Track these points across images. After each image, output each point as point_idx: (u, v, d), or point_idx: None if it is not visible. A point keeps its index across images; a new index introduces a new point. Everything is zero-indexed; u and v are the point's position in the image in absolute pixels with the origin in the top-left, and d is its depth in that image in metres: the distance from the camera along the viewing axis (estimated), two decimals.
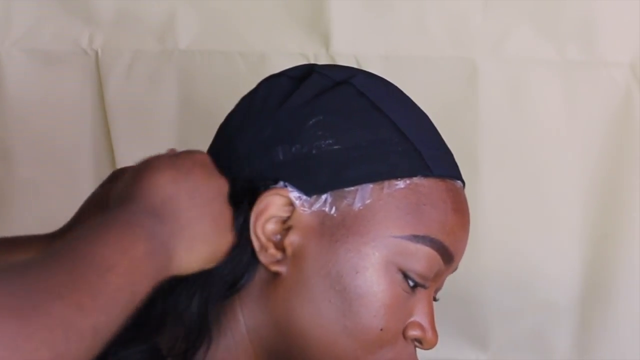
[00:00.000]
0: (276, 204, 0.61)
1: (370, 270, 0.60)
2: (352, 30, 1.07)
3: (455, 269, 0.66)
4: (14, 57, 1.15)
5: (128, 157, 1.12)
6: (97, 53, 1.14)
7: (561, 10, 1.04)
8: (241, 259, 0.61)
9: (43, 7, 1.13)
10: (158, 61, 1.13)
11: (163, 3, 1.12)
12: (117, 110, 1.14)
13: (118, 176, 0.67)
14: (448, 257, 0.62)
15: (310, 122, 0.62)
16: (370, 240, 0.60)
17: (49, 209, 1.18)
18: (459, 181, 0.65)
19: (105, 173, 1.16)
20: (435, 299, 0.65)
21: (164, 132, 1.14)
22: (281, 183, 0.61)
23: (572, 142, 1.07)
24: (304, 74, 0.65)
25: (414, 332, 0.62)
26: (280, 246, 0.61)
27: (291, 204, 0.61)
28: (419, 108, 0.67)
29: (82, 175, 1.18)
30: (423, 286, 0.62)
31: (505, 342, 1.12)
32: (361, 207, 0.60)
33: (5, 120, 1.16)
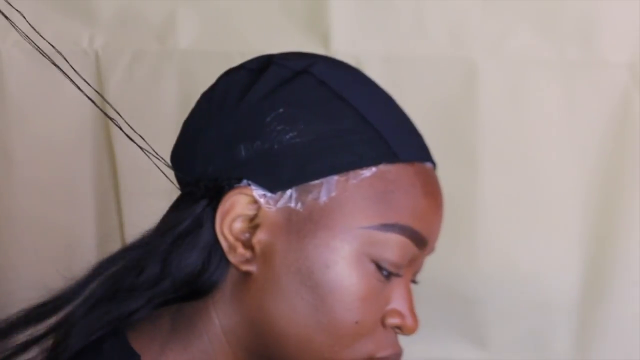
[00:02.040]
0: (241, 203, 0.60)
1: (341, 263, 0.58)
2: (352, 30, 1.07)
3: (433, 250, 0.64)
4: (14, 57, 1.15)
5: (128, 157, 1.13)
6: (97, 53, 1.14)
7: (561, 10, 1.03)
8: (210, 260, 0.60)
9: (43, 7, 1.12)
10: (158, 61, 1.13)
11: (163, 3, 1.12)
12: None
13: None
14: (421, 242, 0.61)
15: (271, 116, 0.60)
16: (339, 234, 0.59)
17: (49, 208, 1.18)
18: (428, 163, 0.63)
19: (105, 173, 1.17)
20: (414, 282, 0.64)
21: (164, 132, 1.13)
22: (244, 181, 0.60)
23: (572, 142, 1.06)
24: (263, 65, 0.64)
25: (392, 320, 0.61)
26: (248, 245, 0.60)
27: (256, 202, 0.60)
28: (383, 92, 0.65)
29: (82, 175, 1.18)
30: (397, 274, 0.61)
31: (505, 342, 1.12)
32: (327, 201, 0.59)
33: (5, 120, 1.16)
